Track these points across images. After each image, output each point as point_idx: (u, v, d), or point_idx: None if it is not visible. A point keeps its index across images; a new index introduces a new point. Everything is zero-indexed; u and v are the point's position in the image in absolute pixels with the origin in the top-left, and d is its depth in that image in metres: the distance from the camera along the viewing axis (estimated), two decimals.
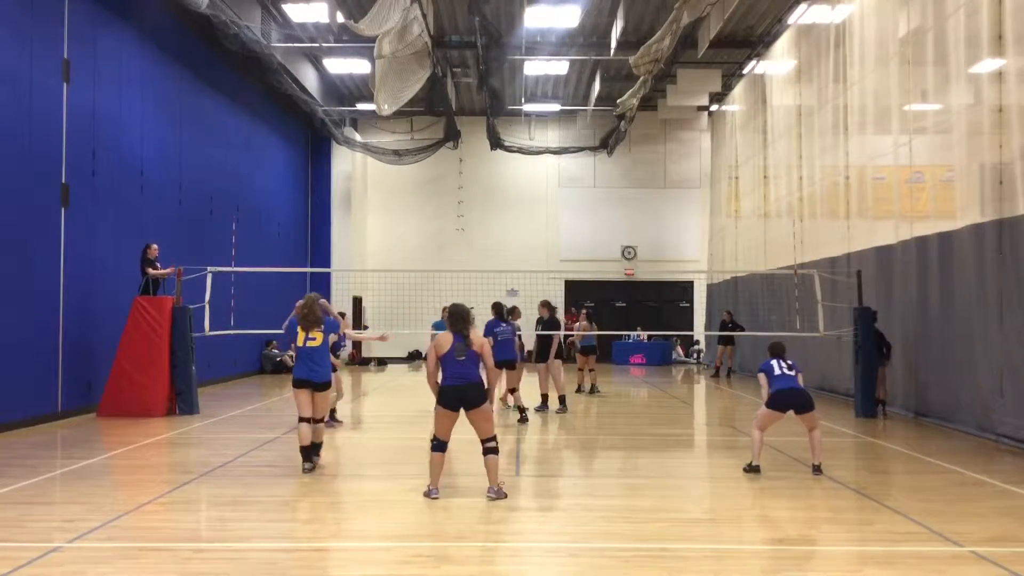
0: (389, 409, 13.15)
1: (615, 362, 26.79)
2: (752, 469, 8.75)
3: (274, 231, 23.03)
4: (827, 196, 17.22)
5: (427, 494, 7.42)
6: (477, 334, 7.60)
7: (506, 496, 7.38)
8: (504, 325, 12.79)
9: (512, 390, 13.09)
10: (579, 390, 16.97)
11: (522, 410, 12.71)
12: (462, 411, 7.47)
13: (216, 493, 7.73)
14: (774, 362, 8.93)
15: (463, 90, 25.99)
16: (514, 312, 14.72)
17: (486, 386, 7.51)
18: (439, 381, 7.55)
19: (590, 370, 17.32)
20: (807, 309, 16.83)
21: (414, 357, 27.95)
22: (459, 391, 7.39)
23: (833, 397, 16.28)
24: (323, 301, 9.20)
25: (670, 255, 28.54)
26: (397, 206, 29.20)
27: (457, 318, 7.56)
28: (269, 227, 22.52)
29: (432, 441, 7.54)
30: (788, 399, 8.70)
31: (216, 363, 18.22)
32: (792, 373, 8.82)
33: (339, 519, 7.20)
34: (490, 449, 7.46)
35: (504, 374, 12.50)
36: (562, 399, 14.00)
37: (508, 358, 12.53)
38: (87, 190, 13.40)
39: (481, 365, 7.55)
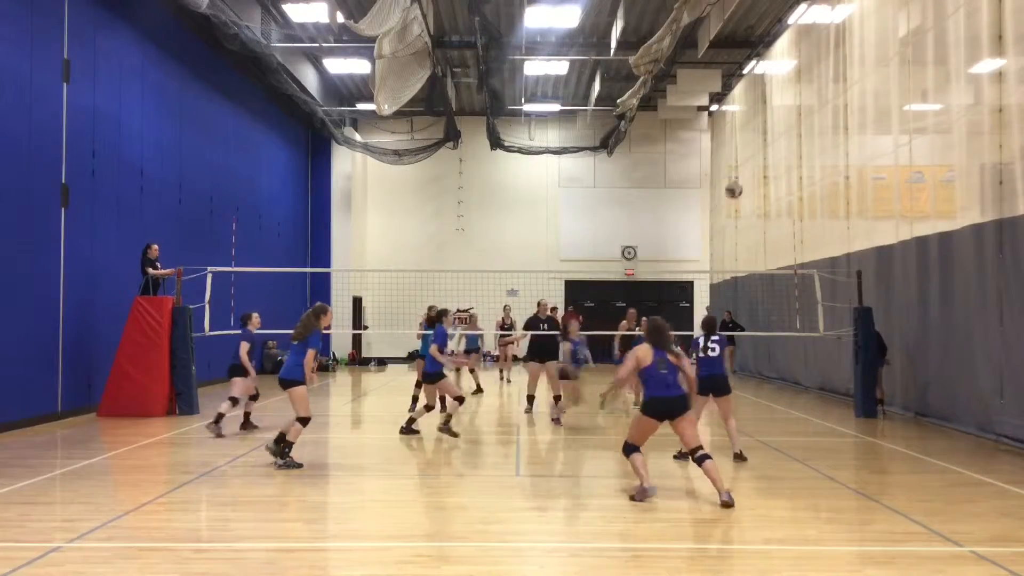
0: (389, 409, 13.13)
1: (615, 362, 26.71)
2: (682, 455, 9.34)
3: (274, 231, 23.01)
4: (827, 196, 17.22)
5: (641, 496, 7.35)
6: (677, 351, 7.61)
7: (732, 504, 7.19)
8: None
9: (428, 406, 11.37)
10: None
11: (448, 419, 11.16)
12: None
13: (216, 493, 7.73)
14: (701, 339, 9.58)
15: (463, 90, 25.99)
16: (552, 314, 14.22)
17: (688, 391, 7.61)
18: (642, 393, 7.68)
19: None
20: (807, 309, 16.83)
21: (413, 357, 27.91)
22: (666, 403, 7.47)
23: (833, 397, 16.29)
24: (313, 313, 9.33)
25: (670, 255, 28.56)
26: (397, 206, 29.18)
27: (659, 333, 7.66)
28: (269, 227, 22.51)
29: (627, 446, 7.61)
30: (706, 384, 9.33)
31: (216, 363, 18.19)
32: (715, 355, 9.48)
33: (339, 519, 7.19)
34: (701, 456, 7.38)
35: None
36: (557, 398, 13.97)
37: (433, 370, 10.92)
38: (87, 190, 13.40)
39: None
